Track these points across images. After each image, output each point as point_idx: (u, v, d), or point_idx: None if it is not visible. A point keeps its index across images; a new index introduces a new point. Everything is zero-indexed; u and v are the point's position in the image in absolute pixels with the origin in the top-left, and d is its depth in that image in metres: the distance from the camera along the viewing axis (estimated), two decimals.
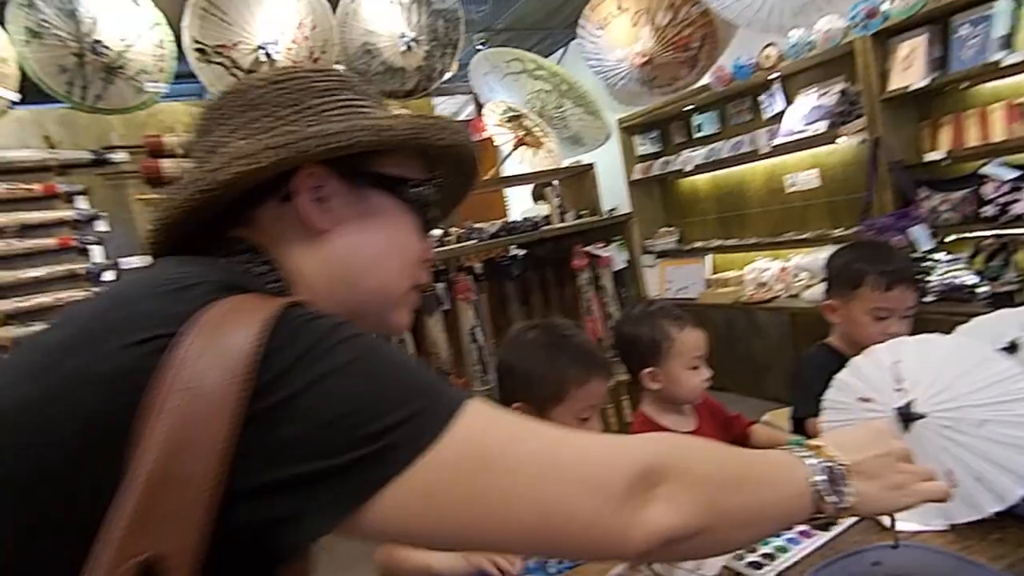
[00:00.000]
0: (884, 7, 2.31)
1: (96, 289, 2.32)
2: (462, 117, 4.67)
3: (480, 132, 4.49)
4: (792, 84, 2.92)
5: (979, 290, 2.13)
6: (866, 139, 2.49)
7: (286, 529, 0.36)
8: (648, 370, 1.09)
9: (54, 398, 0.37)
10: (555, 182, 2.62)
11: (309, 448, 0.36)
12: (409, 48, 2.87)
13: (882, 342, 0.98)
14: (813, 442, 0.50)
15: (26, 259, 2.33)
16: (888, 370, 0.85)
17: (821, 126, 2.68)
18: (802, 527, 0.80)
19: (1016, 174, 2.08)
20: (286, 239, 0.49)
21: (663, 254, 3.73)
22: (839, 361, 0.96)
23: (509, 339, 1.06)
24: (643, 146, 3.81)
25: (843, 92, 2.64)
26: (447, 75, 3.08)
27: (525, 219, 2.44)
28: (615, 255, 2.12)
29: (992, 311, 1.14)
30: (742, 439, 1.19)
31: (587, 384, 0.94)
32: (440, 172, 0.57)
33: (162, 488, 0.34)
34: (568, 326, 1.03)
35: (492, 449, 0.39)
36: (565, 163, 2.74)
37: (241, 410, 0.35)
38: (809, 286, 2.80)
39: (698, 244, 3.53)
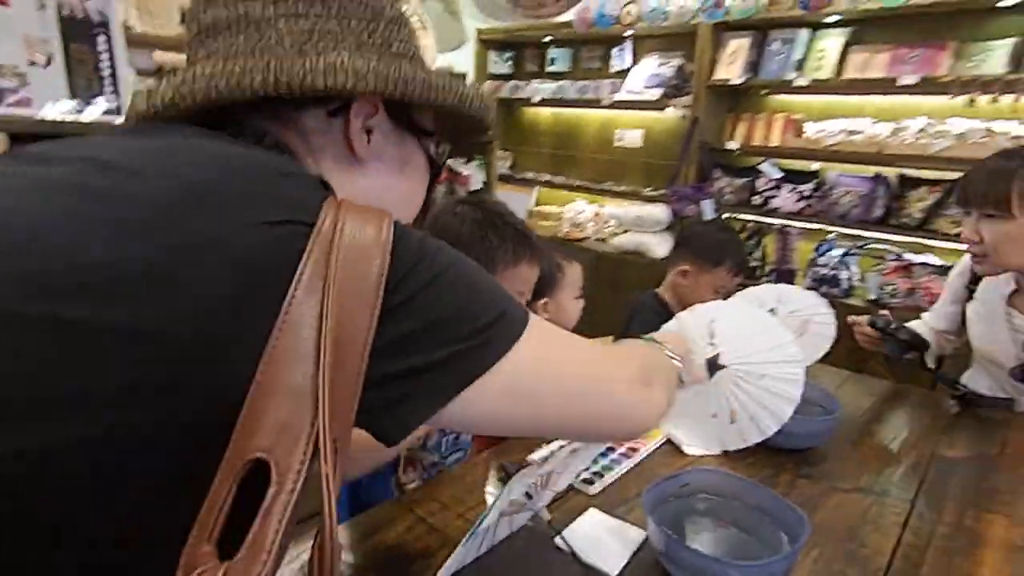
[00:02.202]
0: (728, 2, 2.62)
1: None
2: None
3: None
4: (641, 47, 3.17)
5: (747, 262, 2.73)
6: (687, 116, 2.88)
7: (394, 413, 0.40)
8: (543, 301, 1.20)
9: (183, 262, 0.34)
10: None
11: (422, 341, 0.40)
12: None
13: None
14: (658, 339, 0.73)
15: None
16: (706, 327, 1.10)
17: (656, 93, 2.99)
18: (622, 449, 1.03)
19: (780, 175, 2.65)
20: (324, 152, 0.49)
21: (498, 177, 3.87)
22: (666, 312, 1.20)
23: (437, 210, 1.01)
24: (496, 64, 3.78)
25: (680, 68, 2.97)
26: None
27: None
28: (475, 175, 2.16)
29: (743, 279, 1.55)
30: None
31: (517, 267, 0.92)
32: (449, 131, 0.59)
33: (336, 371, 0.36)
34: (503, 206, 0.99)
35: (560, 347, 0.49)
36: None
37: (380, 303, 0.38)
38: (616, 234, 3.22)
39: (529, 175, 3.73)
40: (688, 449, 1.02)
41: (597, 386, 0.50)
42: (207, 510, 0.33)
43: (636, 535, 0.79)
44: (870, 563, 0.75)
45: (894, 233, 2.38)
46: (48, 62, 1.50)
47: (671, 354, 0.70)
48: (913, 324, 1.40)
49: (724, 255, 1.51)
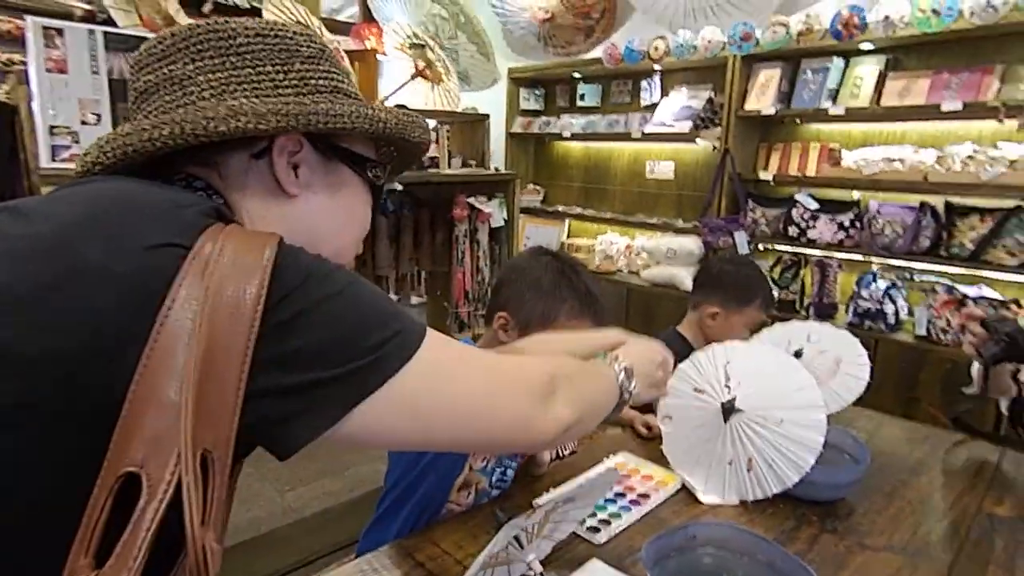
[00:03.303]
0: (758, 34, 2.60)
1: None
2: (343, 17, 4.24)
3: (362, 40, 4.13)
4: (669, 80, 3.17)
5: (773, 295, 2.63)
6: (718, 147, 2.84)
7: (285, 428, 0.41)
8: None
9: (69, 286, 0.37)
10: (446, 125, 2.57)
11: (313, 358, 0.41)
12: None
13: None
14: (612, 352, 0.72)
15: None
16: (721, 368, 1.05)
17: (686, 125, 2.97)
18: (632, 496, 0.98)
19: (817, 205, 2.56)
20: (249, 190, 0.52)
21: (526, 210, 3.89)
22: (687, 351, 1.15)
23: (521, 255, 1.08)
24: (527, 101, 3.85)
25: (709, 100, 2.95)
26: None
27: None
28: (496, 212, 2.18)
29: (779, 313, 1.45)
30: None
31: (579, 321, 0.96)
32: (388, 152, 0.63)
33: (207, 384, 0.37)
34: (581, 265, 1.05)
35: (455, 362, 0.50)
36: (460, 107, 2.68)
37: (260, 320, 0.39)
38: (647, 266, 3.17)
39: (560, 207, 3.74)
40: (704, 497, 0.96)
41: (490, 401, 0.51)
42: (85, 524, 0.34)
43: None
44: None
45: (943, 264, 2.24)
46: (98, 120, 1.62)
47: (619, 367, 0.69)
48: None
49: (754, 293, 1.47)
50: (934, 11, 2.13)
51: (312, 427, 0.41)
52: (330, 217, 0.56)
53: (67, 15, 1.82)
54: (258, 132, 0.48)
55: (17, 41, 1.43)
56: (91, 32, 1.52)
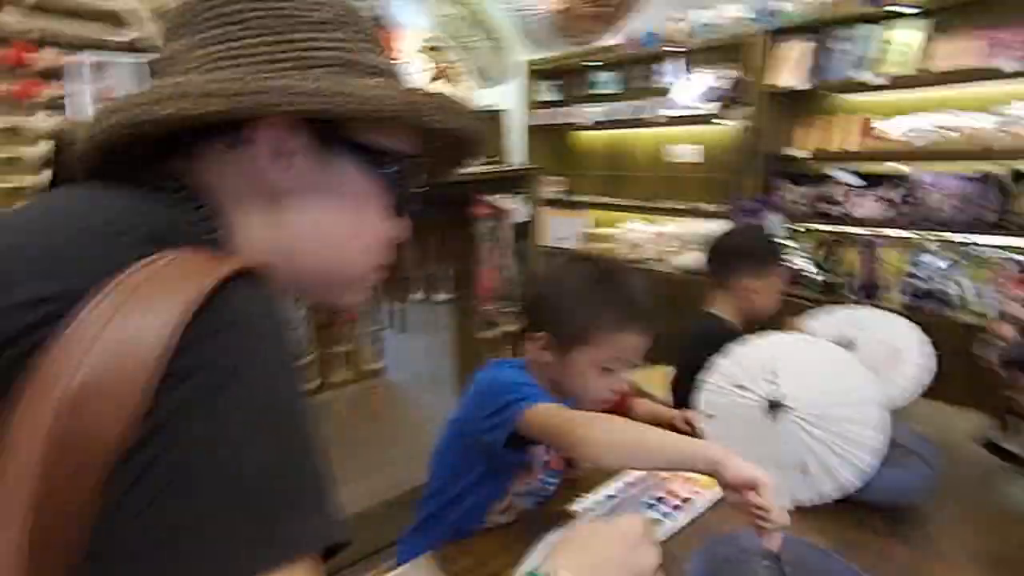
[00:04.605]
0: (785, 6, 2.47)
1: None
2: None
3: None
4: (693, 61, 3.05)
5: (816, 278, 2.50)
6: (747, 126, 2.72)
7: None
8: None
9: None
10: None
11: (148, 522, 0.28)
12: None
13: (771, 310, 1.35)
14: (549, 569, 0.48)
15: None
16: (766, 362, 0.98)
17: (712, 106, 2.85)
18: (675, 500, 0.91)
19: (860, 182, 2.42)
20: (231, 187, 0.42)
21: (550, 202, 3.81)
22: (734, 335, 1.09)
23: (556, 265, 0.98)
24: (546, 92, 3.78)
25: (736, 79, 2.82)
26: None
27: None
28: (519, 207, 2.13)
29: (822, 297, 1.36)
30: (623, 413, 1.30)
31: (615, 336, 0.87)
32: (433, 145, 0.51)
33: (40, 535, 0.27)
34: (624, 268, 0.94)
35: None
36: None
37: (139, 412, 0.29)
38: (678, 253, 3.06)
39: (584, 198, 3.66)
40: None
41: None
42: None
43: None
44: None
45: (1012, 237, 2.08)
46: None
47: None
48: None
49: (777, 256, 1.44)
50: None
51: None
52: (323, 225, 0.45)
53: (113, 47, 1.82)
54: (208, 117, 0.38)
55: (60, 75, 1.45)
56: (138, 64, 1.52)
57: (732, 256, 1.45)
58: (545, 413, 0.79)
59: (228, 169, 0.42)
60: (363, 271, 0.49)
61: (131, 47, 1.61)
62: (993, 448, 1.01)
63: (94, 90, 1.45)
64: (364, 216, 0.47)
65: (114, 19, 1.56)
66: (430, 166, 0.54)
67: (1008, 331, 0.96)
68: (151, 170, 0.42)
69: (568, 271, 0.94)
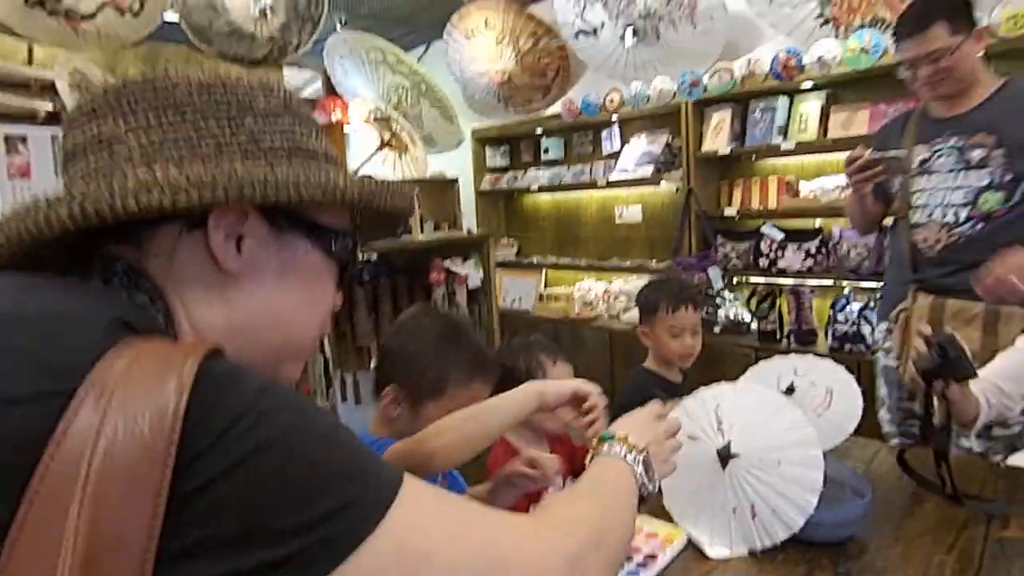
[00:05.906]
0: (705, 80, 2.74)
1: None
2: (307, 93, 4.36)
3: (328, 114, 4.22)
4: (628, 128, 3.30)
5: (752, 327, 2.66)
6: (680, 188, 2.93)
7: None
8: None
9: None
10: (415, 191, 2.62)
11: (239, 541, 0.32)
12: (264, 15, 2.61)
13: (682, 355, 1.43)
14: (619, 434, 0.65)
15: None
16: (712, 412, 1.05)
17: (648, 170, 3.07)
18: (639, 558, 0.94)
19: (782, 236, 2.64)
20: (182, 272, 0.43)
21: (502, 264, 3.92)
22: (658, 382, 1.16)
23: (401, 320, 1.01)
24: (493, 159, 3.95)
25: (667, 144, 3.06)
26: (302, 50, 2.88)
27: None
28: (472, 272, 2.20)
29: (759, 344, 1.44)
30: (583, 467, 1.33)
31: (468, 387, 0.92)
32: (364, 221, 0.55)
33: None
34: (466, 323, 1.02)
35: (431, 542, 0.38)
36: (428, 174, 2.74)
37: (164, 493, 0.31)
38: (627, 309, 3.19)
39: (535, 259, 3.78)
40: (711, 551, 0.94)
41: None
42: None
43: None
44: None
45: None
46: None
47: (633, 458, 0.63)
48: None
49: (655, 300, 1.51)
50: (863, 50, 2.28)
51: None
52: (283, 301, 0.46)
53: (31, 117, 1.83)
54: (176, 210, 0.38)
55: None
56: (55, 137, 1.52)
57: (638, 307, 1.58)
58: (392, 453, 0.82)
59: (180, 252, 0.43)
60: (310, 342, 0.51)
61: (48, 119, 1.59)
62: (903, 464, 1.10)
63: (6, 164, 1.43)
64: (313, 290, 0.49)
65: (34, 90, 1.55)
66: (363, 237, 0.58)
67: (921, 346, 1.06)
68: (97, 256, 0.42)
69: (418, 323, 0.98)
